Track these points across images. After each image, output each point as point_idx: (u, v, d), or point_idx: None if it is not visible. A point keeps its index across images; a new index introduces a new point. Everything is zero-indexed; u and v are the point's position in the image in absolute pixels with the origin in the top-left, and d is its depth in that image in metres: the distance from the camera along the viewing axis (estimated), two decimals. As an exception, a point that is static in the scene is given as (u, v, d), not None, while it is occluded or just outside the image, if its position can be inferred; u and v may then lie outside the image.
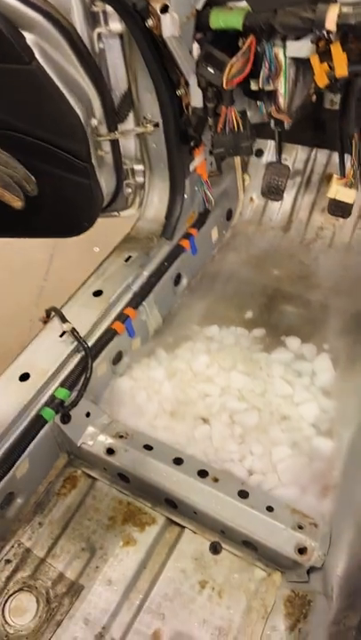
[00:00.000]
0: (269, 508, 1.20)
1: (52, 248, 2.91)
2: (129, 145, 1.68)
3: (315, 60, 1.23)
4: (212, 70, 1.33)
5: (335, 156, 1.85)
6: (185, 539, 1.27)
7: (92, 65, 1.40)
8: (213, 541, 1.25)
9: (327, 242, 1.94)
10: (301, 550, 1.15)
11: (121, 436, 1.37)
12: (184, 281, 1.85)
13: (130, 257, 1.67)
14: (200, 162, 1.71)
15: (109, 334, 1.52)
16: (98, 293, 1.57)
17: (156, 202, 1.77)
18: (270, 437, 1.39)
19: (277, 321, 1.73)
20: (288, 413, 1.44)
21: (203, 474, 1.27)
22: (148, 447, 1.34)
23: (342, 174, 1.52)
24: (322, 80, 1.23)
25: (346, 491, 1.24)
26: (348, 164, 1.54)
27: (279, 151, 1.82)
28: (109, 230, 1.77)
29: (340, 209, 1.57)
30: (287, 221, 2.01)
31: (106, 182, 1.60)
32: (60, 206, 1.50)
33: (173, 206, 1.70)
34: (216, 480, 1.26)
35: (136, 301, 1.60)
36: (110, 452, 1.35)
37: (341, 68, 1.19)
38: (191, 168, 1.69)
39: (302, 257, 1.93)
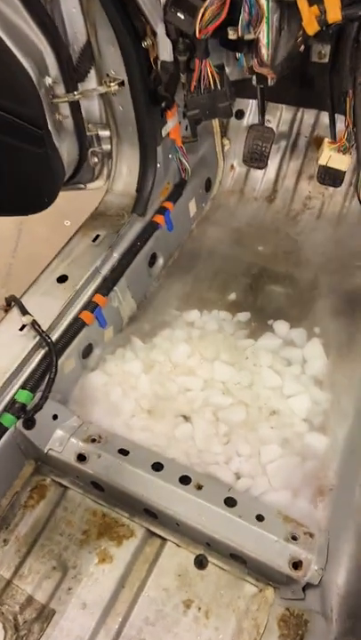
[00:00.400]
0: (259, 517, 1.11)
1: (20, 223, 2.72)
2: (92, 107, 1.53)
3: (303, 3, 1.07)
4: (182, 16, 1.16)
5: (324, 117, 1.72)
6: (167, 552, 1.19)
7: (43, 13, 1.21)
8: (198, 555, 1.18)
9: (316, 213, 1.83)
10: (296, 564, 1.06)
11: (93, 440, 1.26)
12: (160, 261, 1.73)
13: (97, 236, 1.53)
14: (173, 126, 1.56)
15: (77, 325, 1.39)
16: (62, 279, 1.43)
17: (125, 172, 1.62)
18: (259, 435, 1.30)
19: (264, 303, 1.63)
20: (278, 407, 1.35)
21: (185, 480, 1.18)
22: (123, 452, 1.24)
23: (333, 137, 1.36)
24: (311, 26, 1.07)
25: (343, 493, 1.16)
26: (339, 126, 1.39)
27: (262, 112, 1.67)
28: (82, 201, 1.66)
29: (330, 177, 1.44)
30: (272, 191, 1.89)
31: (67, 151, 1.45)
32: (16, 181, 1.34)
33: (145, 177, 1.56)
34: (200, 487, 1.17)
35: (106, 287, 1.47)
36: (81, 458, 1.24)
37: (334, 12, 1.03)
38: (163, 133, 1.54)
39: (289, 230, 1.83)
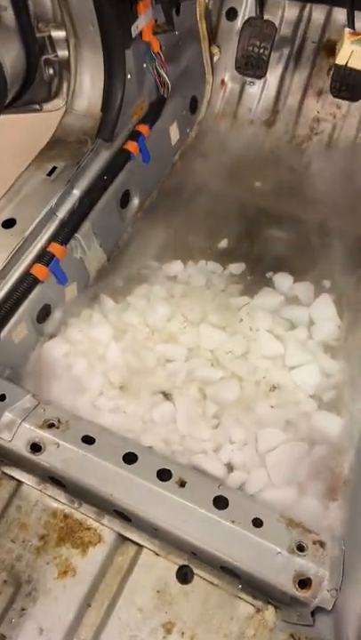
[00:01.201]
0: (257, 522, 0.95)
1: None
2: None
3: None
4: None
5: (338, 14, 1.46)
6: (143, 563, 1.03)
7: None
8: (182, 566, 1.02)
9: (325, 139, 1.63)
10: (303, 583, 0.89)
11: (51, 425, 1.10)
12: (134, 201, 1.54)
13: (54, 169, 1.33)
14: (147, 22, 1.31)
15: (27, 282, 1.23)
16: (8, 224, 1.26)
17: (87, 86, 1.41)
18: (256, 416, 1.13)
19: (262, 252, 1.46)
20: (279, 381, 1.18)
21: (164, 475, 1.02)
22: (88, 439, 1.07)
23: (352, 26, 1.07)
24: None
25: None
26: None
27: (260, 3, 1.36)
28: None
29: (348, 86, 1.19)
30: (272, 112, 1.68)
31: (10, 58, 1.24)
32: None
33: (111, 91, 1.35)
34: (182, 484, 1.00)
35: (65, 233, 1.29)
36: (36, 448, 1.07)
37: None
38: (134, 32, 1.32)
39: (293, 162, 1.64)
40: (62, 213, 1.28)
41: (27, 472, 1.13)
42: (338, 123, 1.58)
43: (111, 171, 1.36)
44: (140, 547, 1.04)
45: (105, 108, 1.32)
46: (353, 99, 1.36)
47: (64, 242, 1.27)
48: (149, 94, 1.48)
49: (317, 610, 0.89)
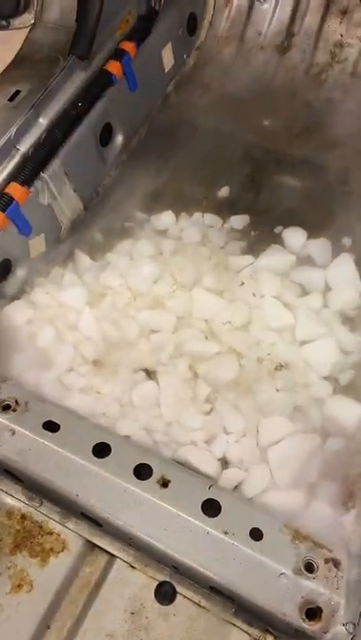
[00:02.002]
0: (255, 533, 0.81)
1: None
2: None
3: None
4: None
5: None
6: (115, 577, 0.89)
7: None
8: (162, 582, 0.87)
9: (349, 68, 1.45)
10: (312, 612, 0.76)
11: (7, 407, 0.97)
12: (118, 138, 1.37)
13: (17, 93, 1.17)
14: None
15: None
16: None
17: None
18: (257, 402, 0.99)
19: (270, 202, 1.32)
20: (287, 359, 1.04)
21: (143, 471, 0.89)
22: (51, 426, 0.94)
23: None
24: None
25: None
26: None
27: None
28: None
29: None
30: (285, 35, 1.50)
31: None
32: None
33: None
34: (165, 483, 0.87)
35: (27, 172, 1.15)
36: None
37: None
38: None
39: (310, 95, 1.47)
40: (25, 147, 1.13)
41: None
42: (366, 46, 1.41)
43: (88, 97, 1.19)
44: (113, 557, 0.90)
45: (80, 16, 1.13)
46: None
47: (26, 182, 1.12)
48: (138, 5, 1.30)
49: (329, 647, 0.75)
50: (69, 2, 1.19)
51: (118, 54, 1.23)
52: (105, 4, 1.16)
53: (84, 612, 0.87)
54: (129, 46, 1.24)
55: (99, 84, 1.20)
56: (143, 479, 0.87)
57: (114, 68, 1.21)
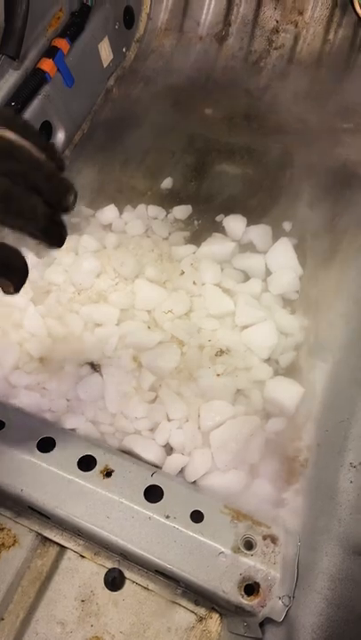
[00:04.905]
0: (196, 515, 0.81)
1: None
2: None
3: None
4: None
5: None
6: (66, 567, 0.89)
7: None
8: (111, 569, 0.88)
9: (286, 54, 1.39)
10: (250, 588, 0.76)
11: None
12: (59, 135, 1.31)
13: None
14: None
15: None
16: None
17: None
18: (199, 387, 0.96)
19: (212, 191, 1.25)
20: (228, 344, 1.00)
21: (87, 463, 0.86)
22: None
23: None
24: None
25: (323, 472, 0.85)
26: None
27: None
28: None
29: None
30: (223, 24, 1.43)
31: None
32: None
33: None
34: (109, 473, 0.85)
35: None
36: None
37: None
38: None
39: (249, 83, 1.39)
40: None
41: None
42: (301, 33, 1.34)
43: (21, 95, 1.12)
44: (63, 548, 0.89)
45: (7, 16, 1.07)
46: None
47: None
48: (69, 2, 1.23)
49: (267, 620, 0.75)
50: (-2, 1, 1.15)
51: (51, 52, 1.17)
52: (34, 2, 1.11)
53: (36, 602, 0.86)
54: (61, 43, 1.18)
55: (32, 83, 1.14)
56: (86, 470, 0.85)
57: (46, 65, 1.15)
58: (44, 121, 1.21)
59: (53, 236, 0.58)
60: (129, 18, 1.42)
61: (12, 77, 1.13)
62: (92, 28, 1.28)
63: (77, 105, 1.31)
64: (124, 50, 1.44)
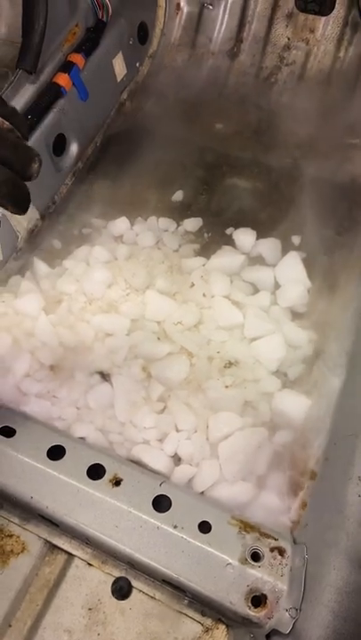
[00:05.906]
0: (203, 526, 0.81)
1: None
2: None
3: None
4: None
5: None
6: (73, 575, 0.89)
7: None
8: (118, 578, 0.87)
9: (297, 71, 1.42)
10: (257, 600, 0.76)
11: None
12: (73, 148, 1.33)
13: None
14: None
15: None
16: None
17: (5, 6, 1.17)
18: (208, 399, 0.97)
19: (222, 204, 1.29)
20: (237, 356, 1.01)
21: (96, 471, 0.87)
22: (7, 431, 0.93)
23: None
24: None
25: (331, 485, 0.85)
26: None
27: None
28: None
29: None
30: (235, 40, 1.46)
31: None
32: None
33: (32, 9, 1.07)
34: (117, 482, 0.86)
35: None
36: None
37: None
38: None
39: (260, 99, 1.44)
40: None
41: None
42: (312, 50, 1.37)
43: (37, 109, 1.15)
44: (71, 556, 0.89)
45: (25, 31, 1.10)
46: (322, 12, 1.15)
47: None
48: (85, 17, 1.26)
49: (274, 632, 0.75)
50: (16, 16, 1.17)
51: (67, 66, 1.20)
52: (51, 18, 1.14)
53: (44, 610, 0.86)
54: (77, 58, 1.21)
55: (48, 97, 1.17)
56: (95, 479, 0.86)
57: (62, 80, 1.18)
58: (59, 134, 1.24)
59: (18, 203, 0.59)
60: (143, 34, 1.45)
61: (29, 91, 1.16)
62: (106, 44, 1.31)
63: (91, 118, 1.34)
64: (137, 65, 1.47)
